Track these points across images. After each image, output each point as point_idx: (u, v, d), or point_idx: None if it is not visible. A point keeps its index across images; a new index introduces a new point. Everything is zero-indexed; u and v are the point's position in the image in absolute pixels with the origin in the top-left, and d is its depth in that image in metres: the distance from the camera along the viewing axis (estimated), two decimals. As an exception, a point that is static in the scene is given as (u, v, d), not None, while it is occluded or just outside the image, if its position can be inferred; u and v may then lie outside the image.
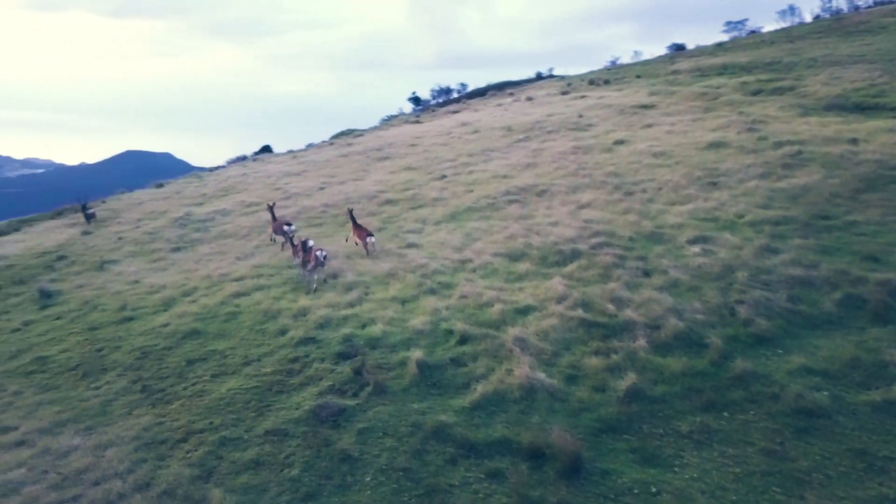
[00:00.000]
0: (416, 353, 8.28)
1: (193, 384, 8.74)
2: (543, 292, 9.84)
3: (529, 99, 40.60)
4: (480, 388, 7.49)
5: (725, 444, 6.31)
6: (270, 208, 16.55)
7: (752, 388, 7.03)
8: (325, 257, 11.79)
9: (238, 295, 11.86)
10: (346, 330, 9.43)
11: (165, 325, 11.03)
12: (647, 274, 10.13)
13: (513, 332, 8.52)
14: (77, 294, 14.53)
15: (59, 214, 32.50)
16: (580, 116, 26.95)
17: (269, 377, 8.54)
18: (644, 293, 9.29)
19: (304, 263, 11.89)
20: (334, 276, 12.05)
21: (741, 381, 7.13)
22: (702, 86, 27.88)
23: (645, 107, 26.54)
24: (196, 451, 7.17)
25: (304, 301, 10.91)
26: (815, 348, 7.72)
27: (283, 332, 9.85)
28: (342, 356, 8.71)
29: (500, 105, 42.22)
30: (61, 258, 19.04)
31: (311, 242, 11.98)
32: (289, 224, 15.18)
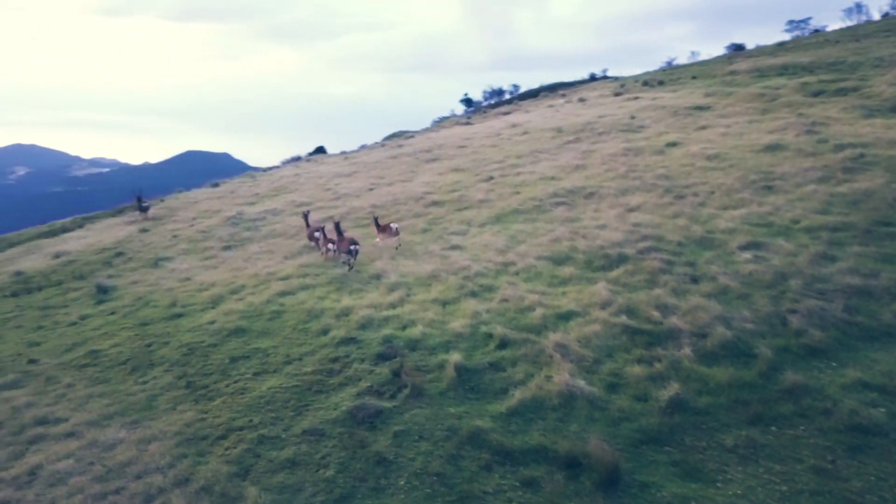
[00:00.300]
0: (455, 357, 8.21)
1: (236, 381, 8.86)
2: (587, 297, 9.65)
3: (581, 100, 40.13)
4: (518, 394, 7.36)
5: (772, 460, 6.04)
6: (305, 216, 16.71)
7: (802, 401, 6.72)
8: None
9: (283, 294, 12.01)
10: (386, 331, 9.43)
11: (212, 323, 11.24)
12: (695, 280, 9.82)
13: (554, 337, 8.37)
14: (131, 290, 14.97)
15: (119, 212, 33.68)
16: (632, 118, 26.46)
17: (309, 377, 8.59)
18: (691, 300, 9.00)
19: (338, 250, 13.50)
20: (378, 276, 12.11)
21: (791, 394, 6.83)
22: (760, 87, 27.03)
23: (700, 108, 25.88)
24: (235, 448, 7.25)
25: (347, 301, 10.97)
26: (872, 362, 7.34)
27: (325, 331, 9.91)
28: (381, 357, 8.71)
29: (551, 106, 41.85)
30: (119, 254, 19.68)
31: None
32: (321, 228, 15.06)
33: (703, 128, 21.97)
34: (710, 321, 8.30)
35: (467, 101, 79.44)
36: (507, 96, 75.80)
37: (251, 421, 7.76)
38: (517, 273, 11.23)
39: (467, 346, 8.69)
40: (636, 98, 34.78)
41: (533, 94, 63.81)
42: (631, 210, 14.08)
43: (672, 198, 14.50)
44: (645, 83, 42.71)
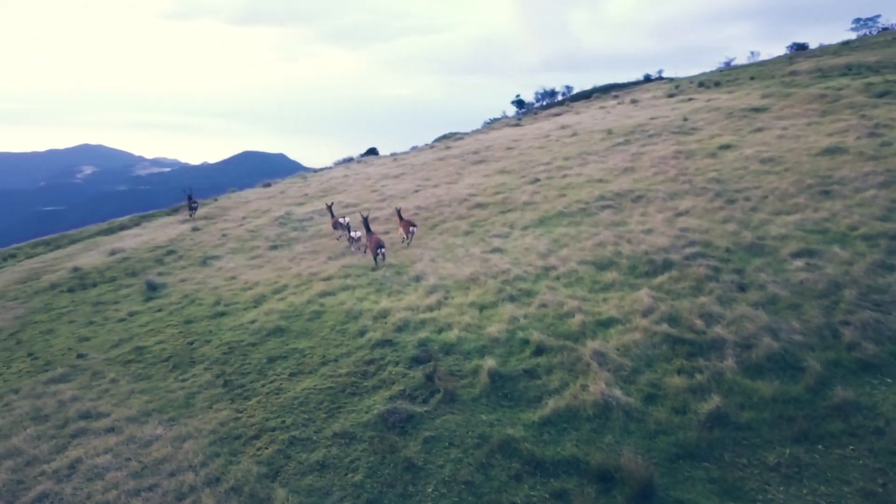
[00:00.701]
0: (489, 362, 8.08)
1: (272, 381, 8.93)
2: (629, 304, 9.37)
3: (634, 101, 39.44)
4: (552, 403, 7.18)
5: (818, 481, 5.72)
6: (329, 207, 18.61)
7: (852, 419, 6.34)
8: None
9: (324, 294, 12.08)
10: (422, 334, 9.36)
11: (253, 322, 11.38)
12: (742, 288, 9.43)
13: (592, 345, 8.14)
14: (179, 287, 15.31)
15: (175, 211, 34.66)
16: (685, 120, 25.84)
17: (343, 378, 8.59)
18: (737, 309, 8.63)
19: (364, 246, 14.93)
20: (417, 278, 12.07)
21: (840, 411, 6.45)
22: (821, 87, 26.03)
23: (756, 110, 25.08)
24: (267, 448, 7.28)
25: (385, 302, 10.96)
26: (931, 379, 6.91)
27: (362, 332, 9.91)
28: (416, 360, 8.64)
29: (602, 108, 41.29)
30: (170, 252, 20.21)
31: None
32: (343, 218, 17.32)
33: (759, 130, 21.27)
34: (757, 332, 7.93)
35: (519, 103, 79.16)
36: (560, 98, 75.21)
37: (284, 422, 7.79)
38: (558, 278, 11.02)
39: (503, 352, 8.55)
40: (690, 99, 34.01)
41: (585, 96, 63.17)
42: (679, 214, 13.69)
43: (723, 202, 14.03)
44: (700, 84, 41.74)
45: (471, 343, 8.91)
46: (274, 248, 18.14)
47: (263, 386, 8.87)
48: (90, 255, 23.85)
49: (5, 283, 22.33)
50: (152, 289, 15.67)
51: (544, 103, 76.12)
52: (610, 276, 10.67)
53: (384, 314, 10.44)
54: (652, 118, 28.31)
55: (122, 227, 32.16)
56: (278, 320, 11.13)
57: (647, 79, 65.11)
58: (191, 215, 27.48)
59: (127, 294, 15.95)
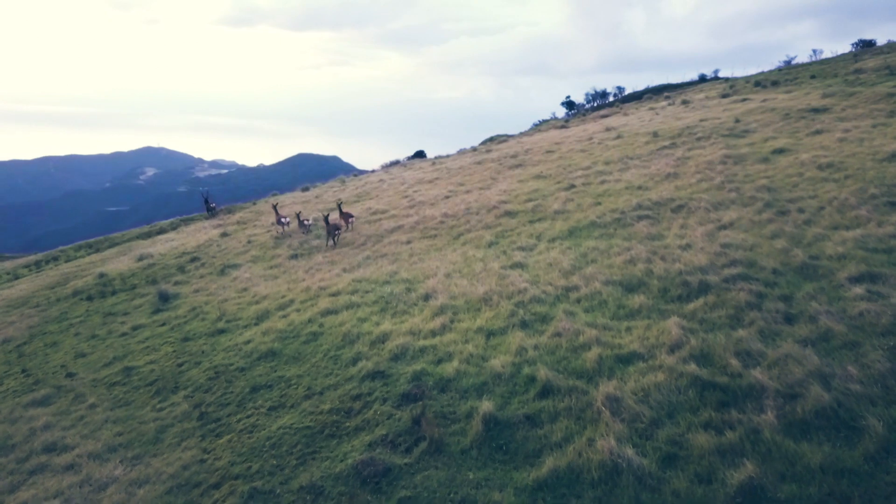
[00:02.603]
0: (486, 405, 6.99)
1: (249, 416, 8.07)
2: (655, 336, 8.12)
3: (685, 102, 37.63)
4: (551, 461, 6.03)
5: (878, 588, 4.48)
6: (274, 207, 22.77)
7: (925, 504, 5.03)
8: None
9: (327, 312, 11.19)
10: (418, 365, 8.34)
11: (248, 342, 10.58)
12: (789, 320, 8.05)
13: (606, 388, 6.93)
14: (190, 299, 14.71)
15: (212, 215, 34.52)
16: (736, 121, 24.13)
17: (324, 416, 7.65)
18: (782, 347, 7.27)
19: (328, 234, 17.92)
20: (426, 296, 11.05)
21: (910, 491, 5.15)
22: (889, 86, 23.99)
23: (816, 110, 23.21)
24: (224, 502, 6.38)
25: (387, 325, 9.98)
26: None
27: (355, 360, 8.96)
28: (406, 398, 7.62)
29: (652, 109, 39.59)
30: (194, 259, 19.78)
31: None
32: (285, 217, 21.37)
33: (818, 132, 19.51)
34: (804, 378, 6.58)
35: (569, 104, 77.68)
36: (611, 99, 73.42)
37: (250, 468, 6.89)
38: (579, 300, 9.82)
39: (504, 391, 7.44)
40: (744, 100, 32.13)
41: (637, 97, 61.30)
42: (722, 227, 12.31)
43: (773, 213, 12.57)
44: (757, 84, 39.63)
45: (470, 378, 7.83)
46: (294, 257, 17.42)
47: (239, 421, 8.00)
48: (120, 261, 23.73)
49: (36, 287, 22.33)
50: (164, 299, 15.13)
51: (594, 104, 74.47)
52: (637, 299, 9.41)
53: (383, 338, 9.46)
54: (702, 120, 26.66)
55: (162, 231, 32.21)
56: (273, 342, 10.29)
57: (703, 79, 62.77)
58: (209, 216, 29.69)
59: (139, 305, 15.44)
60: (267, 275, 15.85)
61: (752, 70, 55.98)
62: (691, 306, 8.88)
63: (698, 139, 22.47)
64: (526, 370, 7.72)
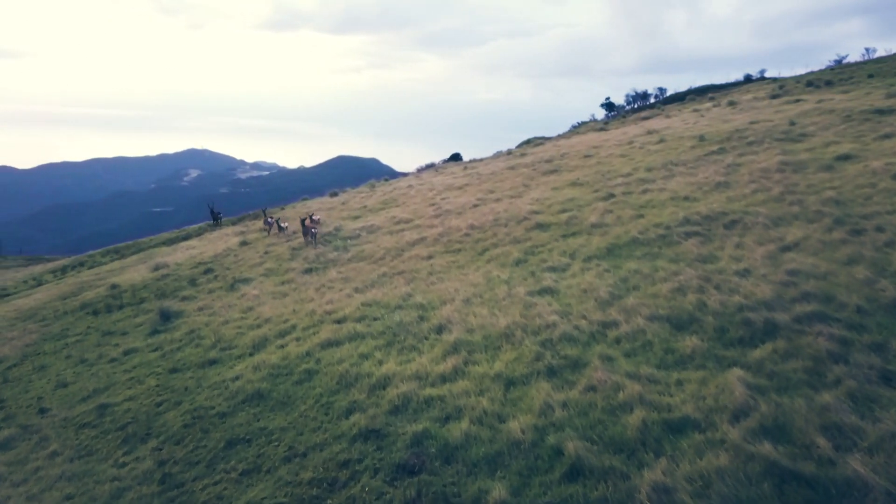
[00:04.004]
0: (498, 489, 5.51)
1: (216, 482, 6.72)
2: (713, 394, 6.52)
3: (732, 104, 35.50)
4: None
5: None
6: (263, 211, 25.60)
7: None
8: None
9: (327, 344, 9.82)
10: (421, 423, 6.89)
11: (236, 379, 9.27)
12: (887, 379, 6.33)
13: (653, 472, 5.37)
14: (192, 319, 13.56)
15: (239, 220, 33.74)
16: (792, 124, 22.13)
17: (303, 489, 6.26)
18: (884, 421, 5.58)
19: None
20: (439, 328, 9.58)
21: None
22: (965, 83, 21.75)
23: (881, 112, 21.12)
24: None
25: (391, 364, 8.54)
26: None
27: (349, 412, 7.56)
28: (402, 470, 6.18)
29: (696, 111, 37.53)
30: (208, 271, 18.76)
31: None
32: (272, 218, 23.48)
33: (887, 136, 17.52)
34: (922, 470, 4.96)
35: (608, 106, 75.88)
36: (652, 100, 71.33)
37: (201, 563, 5.53)
38: (618, 341, 8.22)
39: (522, 467, 5.92)
40: (797, 101, 30.00)
41: (679, 98, 59.14)
42: (786, 249, 10.60)
43: (845, 232, 10.80)
44: (809, 84, 37.33)
45: (481, 447, 6.33)
46: (308, 271, 16.15)
47: (205, 489, 6.66)
48: (137, 270, 22.89)
49: (49, 297, 21.60)
50: (165, 318, 14.02)
51: (635, 106, 72.52)
52: (688, 342, 7.79)
53: (384, 383, 8.04)
54: (752, 122, 24.69)
55: (186, 237, 31.48)
56: (262, 381, 8.95)
57: (748, 79, 60.26)
58: (214, 223, 30.60)
59: (140, 323, 14.36)
60: (276, 292, 14.60)
61: (799, 70, 53.23)
62: (757, 354, 7.22)
63: (750, 143, 20.60)
64: (551, 438, 6.17)
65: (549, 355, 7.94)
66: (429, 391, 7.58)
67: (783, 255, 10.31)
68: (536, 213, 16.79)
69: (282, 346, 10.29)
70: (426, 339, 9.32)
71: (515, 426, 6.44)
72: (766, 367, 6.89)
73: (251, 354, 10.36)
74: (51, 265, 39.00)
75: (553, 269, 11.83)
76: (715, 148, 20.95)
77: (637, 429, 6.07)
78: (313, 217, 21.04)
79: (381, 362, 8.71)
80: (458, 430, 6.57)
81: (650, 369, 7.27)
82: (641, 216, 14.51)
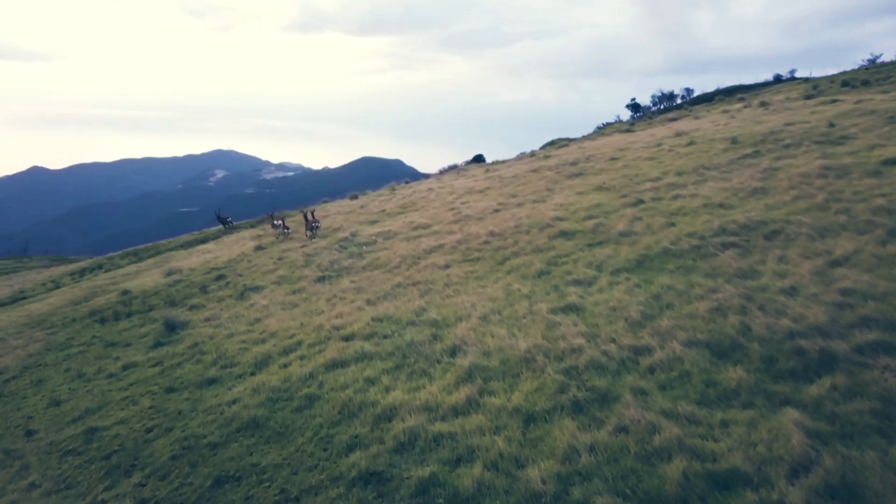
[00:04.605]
0: (513, 557, 4.71)
1: (198, 531, 5.98)
2: (765, 440, 5.63)
3: (763, 104, 34.25)
4: None
5: None
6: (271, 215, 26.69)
7: None
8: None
9: (332, 365, 9.06)
10: (428, 467, 6.07)
11: (233, 403, 8.55)
12: (973, 428, 5.47)
13: (697, 540, 4.56)
14: (197, 331, 12.93)
15: (259, 223, 33.32)
16: (831, 126, 20.98)
17: (291, 545, 5.49)
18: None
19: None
20: (453, 350, 8.75)
21: None
22: None
23: (928, 112, 19.92)
24: None
25: (398, 392, 7.75)
26: None
27: (350, 447, 6.78)
28: (404, 524, 5.40)
29: (726, 111, 36.31)
30: (220, 278, 18.21)
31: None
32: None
33: (938, 138, 16.40)
34: None
35: (634, 107, 74.76)
36: (678, 101, 70.03)
37: None
38: (652, 370, 7.34)
39: (542, 528, 5.12)
40: (834, 101, 28.75)
41: (707, 99, 57.86)
42: (836, 264, 9.63)
43: (903, 246, 9.83)
44: (844, 84, 35.99)
45: (496, 499, 5.47)
46: (321, 279, 15.45)
47: (184, 538, 5.93)
48: (150, 275, 22.46)
49: (62, 303, 21.23)
50: (170, 329, 13.43)
51: (661, 107, 71.31)
52: (733, 373, 6.88)
53: (390, 415, 7.25)
54: (787, 124, 23.54)
55: (204, 240, 31.09)
56: (260, 407, 8.21)
57: (778, 79, 58.74)
58: (224, 228, 31.18)
59: (145, 334, 13.78)
60: (286, 302, 13.92)
61: (830, 70, 51.62)
62: (813, 391, 6.30)
63: (786, 146, 19.51)
64: (577, 491, 5.32)
65: (575, 386, 7.09)
66: (439, 427, 6.77)
67: (833, 270, 9.34)
68: (560, 219, 15.93)
69: (285, 366, 9.56)
70: (438, 362, 8.51)
71: (535, 474, 5.61)
72: (826, 408, 5.98)
73: (252, 374, 9.66)
74: (72, 267, 38.93)
75: (578, 283, 10.96)
76: (749, 151, 19.89)
77: (677, 483, 5.20)
78: (314, 213, 22.17)
79: (388, 389, 7.92)
80: (469, 476, 5.75)
81: (690, 406, 6.38)
82: (673, 224, 13.58)
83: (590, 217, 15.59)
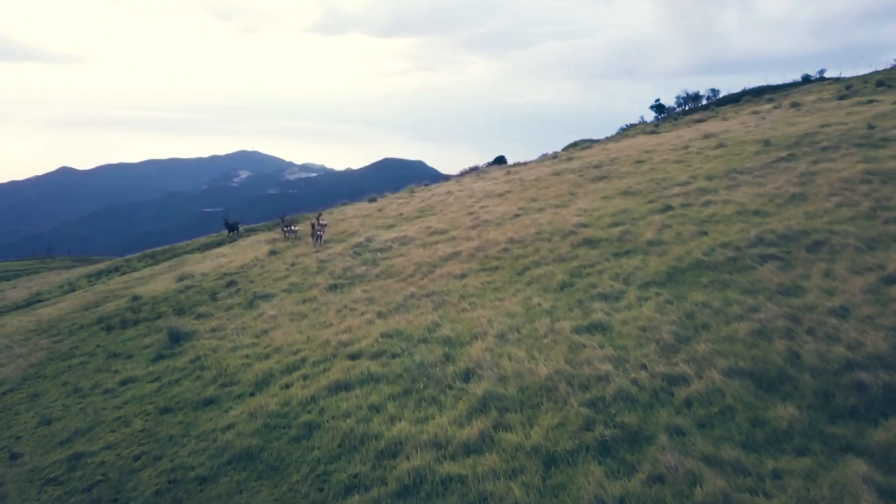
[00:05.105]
0: None
1: (173, 587, 5.29)
2: (826, 498, 4.80)
3: (795, 105, 33.01)
4: None
5: None
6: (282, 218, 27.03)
7: None
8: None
9: (336, 388, 8.36)
10: (434, 517, 5.34)
11: (227, 429, 7.88)
12: None
13: None
14: (202, 342, 12.34)
15: (275, 226, 32.87)
16: (870, 128, 19.89)
17: None
18: None
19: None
20: (466, 375, 7.99)
21: None
22: None
23: (978, 113, 18.76)
24: None
25: (404, 423, 7.00)
26: None
27: (348, 489, 6.05)
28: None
29: (755, 112, 35.12)
30: (231, 284, 17.69)
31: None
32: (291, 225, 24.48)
33: None
34: None
35: (658, 108, 73.45)
36: (704, 102, 68.62)
37: None
38: (689, 403, 6.50)
39: None
40: (871, 102, 27.52)
41: (734, 99, 56.40)
42: (890, 280, 8.72)
43: (964, 261, 8.89)
44: (880, 84, 34.63)
45: (509, 565, 4.76)
46: (333, 288, 14.81)
47: None
48: (162, 280, 22.03)
49: (73, 308, 20.84)
50: (174, 340, 12.87)
51: (686, 108, 69.94)
52: (783, 411, 6.02)
53: (394, 450, 6.51)
54: (822, 125, 22.46)
55: (220, 244, 30.66)
56: (255, 435, 7.53)
57: (807, 79, 57.16)
58: (230, 234, 31.17)
59: (149, 344, 13.24)
60: (295, 312, 13.27)
61: (861, 70, 49.91)
62: (880, 436, 5.43)
63: (824, 149, 18.48)
64: (604, 561, 4.57)
65: (602, 422, 6.27)
66: (447, 467, 6.00)
67: (888, 288, 8.44)
68: (584, 226, 15.08)
69: (286, 387, 8.88)
70: (450, 387, 7.74)
71: (556, 534, 4.84)
72: (892, 456, 5.12)
73: (252, 394, 9.00)
74: (90, 269, 38.75)
75: (604, 298, 10.14)
76: (783, 154, 18.88)
77: (725, 551, 4.40)
78: (320, 221, 22.12)
79: (393, 419, 7.18)
80: (480, 535, 4.99)
81: (735, 451, 5.55)
82: (705, 233, 12.70)
83: (615, 224, 14.73)
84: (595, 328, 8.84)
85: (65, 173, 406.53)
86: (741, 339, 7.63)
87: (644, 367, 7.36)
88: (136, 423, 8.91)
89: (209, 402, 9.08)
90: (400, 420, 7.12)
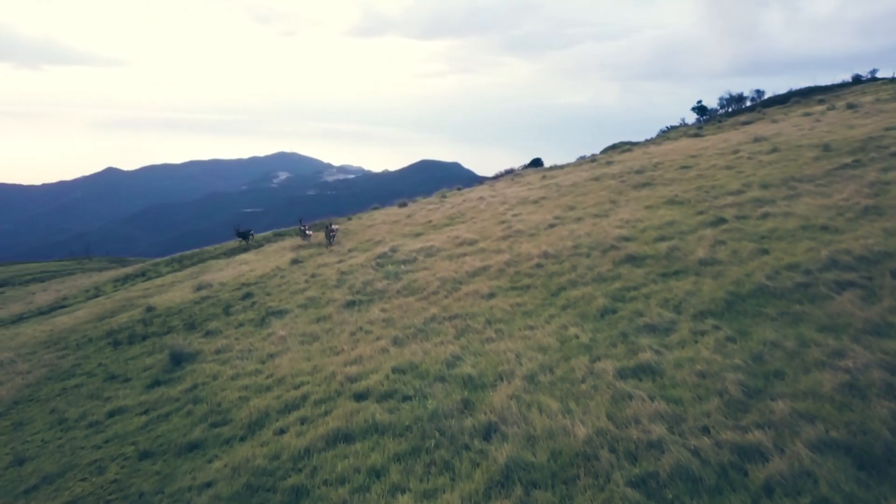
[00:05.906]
0: None
1: None
2: None
3: (851, 107, 30.91)
4: None
5: None
6: (300, 221, 28.52)
7: None
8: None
9: (335, 439, 7.12)
10: None
11: (207, 487, 6.71)
12: None
13: None
14: (202, 367, 11.34)
15: (250, 244, 32.06)
16: (946, 130, 18.00)
17: None
18: None
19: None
20: (487, 431, 6.63)
21: None
22: None
23: None
24: None
25: (405, 500, 5.69)
26: None
27: (331, 592, 4.80)
28: None
29: (807, 114, 33.06)
30: (247, 296, 16.81)
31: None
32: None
33: None
34: None
35: (700, 109, 71.47)
36: (748, 103, 66.29)
37: None
38: (770, 490, 5.02)
39: None
40: (941, 102, 25.39)
41: (780, 101, 54.10)
42: None
43: None
44: (946, 82, 32.20)
45: None
46: (350, 305, 13.67)
47: None
48: (181, 289, 21.29)
49: (86, 317, 20.18)
50: (176, 362, 11.95)
51: (729, 109, 67.68)
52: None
53: (393, 539, 5.23)
54: (887, 129, 20.59)
55: (246, 249, 29.87)
56: (234, 500, 6.33)
57: (858, 79, 54.65)
58: (242, 242, 31.16)
59: (150, 365, 12.35)
60: (307, 333, 12.14)
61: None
62: None
63: (894, 155, 16.69)
64: None
65: (657, 514, 4.90)
66: (455, 570, 4.70)
67: None
68: (626, 239, 13.62)
69: (280, 432, 7.68)
70: (467, 448, 6.39)
71: None
72: None
73: (242, 439, 7.83)
74: (120, 272, 38.44)
75: (652, 330, 8.70)
76: (848, 160, 17.12)
77: None
78: (333, 226, 23.72)
79: (395, 489, 5.87)
80: None
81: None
82: (765, 251, 11.15)
83: (662, 238, 13.23)
84: (643, 371, 7.42)
85: (110, 174, 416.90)
86: (828, 396, 6.15)
87: (707, 431, 5.91)
88: (111, 469, 7.81)
89: (194, 446, 7.94)
90: (403, 492, 5.81)
